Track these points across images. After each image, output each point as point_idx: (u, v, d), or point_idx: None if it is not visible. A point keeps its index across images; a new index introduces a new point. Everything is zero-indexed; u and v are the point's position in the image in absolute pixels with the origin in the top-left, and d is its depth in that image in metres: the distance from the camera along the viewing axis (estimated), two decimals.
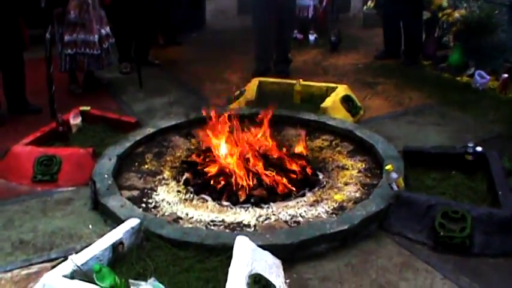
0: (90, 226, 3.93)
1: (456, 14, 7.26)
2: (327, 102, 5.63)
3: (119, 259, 3.34)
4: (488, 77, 6.46)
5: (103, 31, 6.55)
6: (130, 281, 2.82)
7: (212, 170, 4.45)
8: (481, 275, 3.34)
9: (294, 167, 4.46)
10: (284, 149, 4.70)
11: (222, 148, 4.52)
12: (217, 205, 4.19)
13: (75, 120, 5.32)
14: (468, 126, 5.48)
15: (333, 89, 5.95)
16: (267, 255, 3.32)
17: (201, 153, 4.72)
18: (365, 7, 10.33)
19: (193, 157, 4.75)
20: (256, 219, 3.96)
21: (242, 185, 4.25)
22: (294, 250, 3.48)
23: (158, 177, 4.63)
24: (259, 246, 3.32)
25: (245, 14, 8.17)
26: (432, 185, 4.24)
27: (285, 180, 4.31)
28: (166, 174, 4.68)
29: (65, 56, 6.38)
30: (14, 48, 5.82)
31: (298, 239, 3.50)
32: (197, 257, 3.38)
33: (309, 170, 4.52)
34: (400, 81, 6.95)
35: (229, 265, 3.01)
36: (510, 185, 3.94)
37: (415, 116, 5.79)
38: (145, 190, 4.41)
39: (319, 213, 4.01)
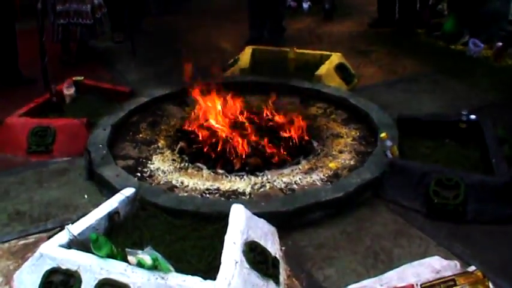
0: (86, 196, 3.94)
1: None
2: (321, 70, 5.62)
3: (115, 228, 3.35)
4: (482, 45, 6.45)
5: (96, 1, 6.51)
6: (127, 249, 2.83)
7: (207, 138, 4.45)
8: (473, 242, 3.37)
9: (289, 135, 4.46)
10: (279, 117, 4.69)
11: (216, 117, 4.53)
12: (212, 173, 4.21)
13: (68, 91, 5.30)
14: (462, 94, 5.48)
15: (327, 57, 5.93)
16: (263, 222, 3.34)
17: (196, 122, 4.70)
18: None
19: (188, 126, 4.74)
20: (252, 187, 3.98)
21: (237, 153, 4.26)
22: (289, 218, 3.50)
23: (153, 146, 4.63)
24: (255, 214, 3.33)
25: None
26: (426, 152, 4.25)
27: (280, 149, 4.32)
28: (161, 143, 4.68)
29: (57, 26, 6.34)
30: (5, 19, 5.76)
31: (293, 206, 3.52)
32: (193, 225, 3.39)
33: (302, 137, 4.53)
34: (394, 49, 6.95)
35: (225, 233, 3.02)
36: (503, 152, 3.96)
37: (409, 84, 5.80)
38: (140, 159, 4.41)
39: (314, 181, 4.03)
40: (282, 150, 4.30)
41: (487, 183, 3.61)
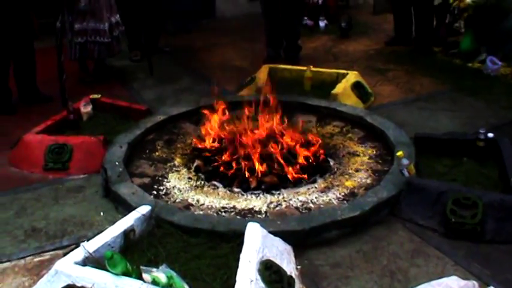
0: (102, 213, 3.95)
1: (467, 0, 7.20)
2: (338, 89, 5.62)
3: (131, 246, 3.35)
4: (500, 63, 6.41)
5: (113, 19, 6.57)
6: (142, 267, 2.83)
7: (223, 157, 4.44)
8: (492, 262, 3.32)
9: (306, 154, 4.45)
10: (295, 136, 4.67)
11: (232, 135, 4.53)
12: (228, 192, 4.20)
13: (86, 108, 5.34)
14: (480, 112, 5.45)
15: (344, 76, 5.94)
16: (278, 241, 3.32)
17: (212, 141, 4.70)
18: None
19: (204, 144, 4.74)
20: (267, 206, 3.96)
21: (253, 172, 4.25)
22: (305, 236, 3.48)
23: (169, 164, 4.64)
24: (270, 232, 3.31)
25: (255, 1, 8.22)
26: (443, 171, 4.22)
27: (294, 169, 4.31)
28: (177, 161, 4.69)
29: (75, 45, 6.39)
30: (25, 38, 5.83)
31: (309, 225, 3.49)
32: (208, 244, 3.38)
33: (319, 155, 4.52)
34: (411, 67, 6.93)
35: (241, 251, 3.01)
36: None
37: (426, 102, 5.77)
38: (156, 177, 4.42)
39: (330, 200, 4.01)
40: (298, 170, 4.29)
41: (505, 202, 3.56)
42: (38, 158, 4.61)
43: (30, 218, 3.93)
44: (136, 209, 3.57)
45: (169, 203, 4.01)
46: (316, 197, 4.05)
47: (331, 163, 4.56)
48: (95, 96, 5.54)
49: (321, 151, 4.54)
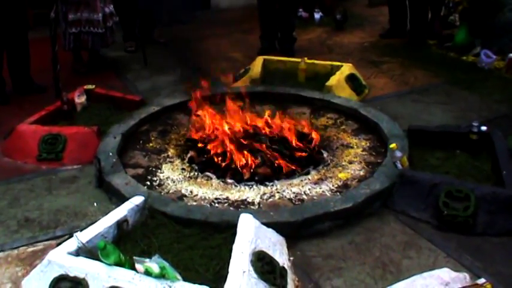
0: (95, 204, 3.95)
1: None
2: (332, 81, 5.62)
3: (124, 236, 3.35)
4: (494, 57, 6.41)
5: (107, 9, 6.55)
6: (135, 257, 2.83)
7: (216, 148, 4.44)
8: (484, 254, 3.34)
9: (299, 145, 4.45)
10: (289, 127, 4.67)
11: (226, 126, 4.52)
12: (221, 183, 4.20)
13: (80, 99, 5.32)
14: (473, 105, 5.46)
15: (338, 68, 5.94)
16: (271, 232, 3.33)
17: (206, 131, 4.69)
18: None
19: (198, 135, 4.74)
20: (261, 197, 3.97)
21: (246, 163, 4.25)
22: (298, 228, 3.49)
23: (163, 155, 4.64)
24: (263, 223, 3.32)
25: None
26: (436, 164, 4.22)
27: (287, 160, 4.31)
28: (171, 152, 4.69)
29: (69, 35, 6.37)
30: (18, 28, 5.80)
31: (302, 216, 3.50)
32: (201, 235, 3.39)
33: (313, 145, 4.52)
34: (405, 60, 6.93)
35: (233, 242, 3.02)
36: None
37: (420, 95, 5.78)
38: (150, 168, 4.42)
39: (323, 191, 4.01)
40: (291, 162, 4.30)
41: (498, 195, 3.57)
42: (32, 148, 4.60)
43: (24, 208, 3.94)
44: (130, 200, 3.58)
45: (162, 193, 4.01)
46: (309, 189, 4.05)
47: (325, 155, 4.56)
48: (89, 86, 5.52)
49: (317, 140, 4.56)
